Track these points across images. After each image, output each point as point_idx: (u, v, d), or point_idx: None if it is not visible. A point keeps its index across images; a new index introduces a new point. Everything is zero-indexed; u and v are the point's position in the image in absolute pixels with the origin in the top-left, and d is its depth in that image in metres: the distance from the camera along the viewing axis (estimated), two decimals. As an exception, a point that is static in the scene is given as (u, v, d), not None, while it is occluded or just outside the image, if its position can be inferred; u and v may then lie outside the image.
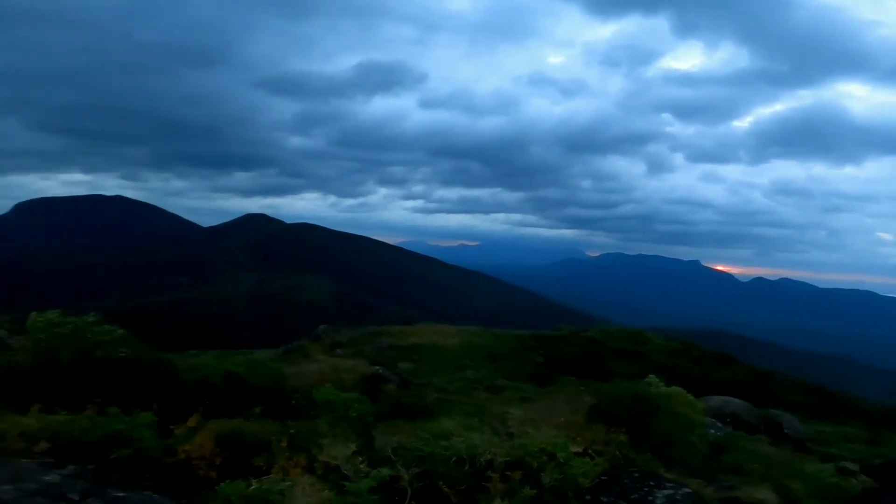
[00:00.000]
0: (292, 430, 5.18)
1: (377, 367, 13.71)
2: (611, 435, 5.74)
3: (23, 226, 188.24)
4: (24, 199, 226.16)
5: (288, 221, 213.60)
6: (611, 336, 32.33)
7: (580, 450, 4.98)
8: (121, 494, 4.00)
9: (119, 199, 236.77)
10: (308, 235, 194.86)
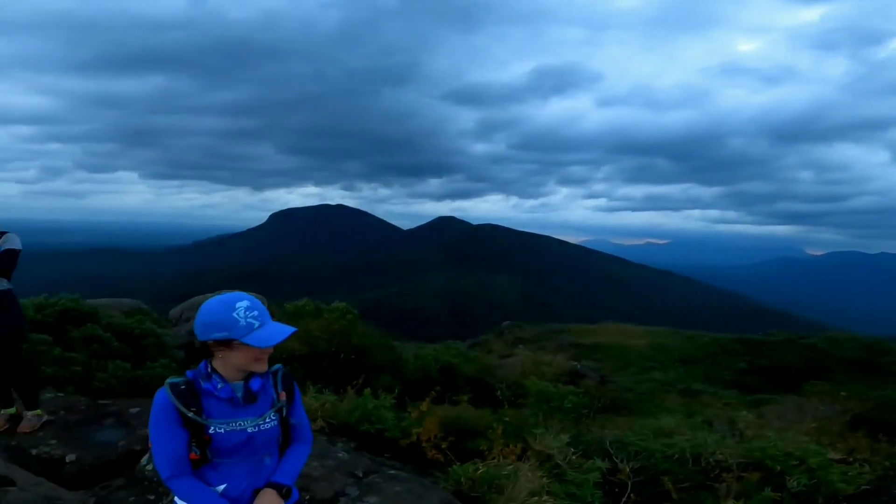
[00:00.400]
0: (507, 419, 5.34)
1: (575, 363, 13.69)
2: (880, 444, 4.97)
3: (275, 232, 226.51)
4: (275, 210, 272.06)
5: (474, 223, 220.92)
6: (838, 344, 27.21)
7: (839, 457, 4.47)
8: (392, 472, 4.06)
9: (341, 208, 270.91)
10: (493, 236, 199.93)
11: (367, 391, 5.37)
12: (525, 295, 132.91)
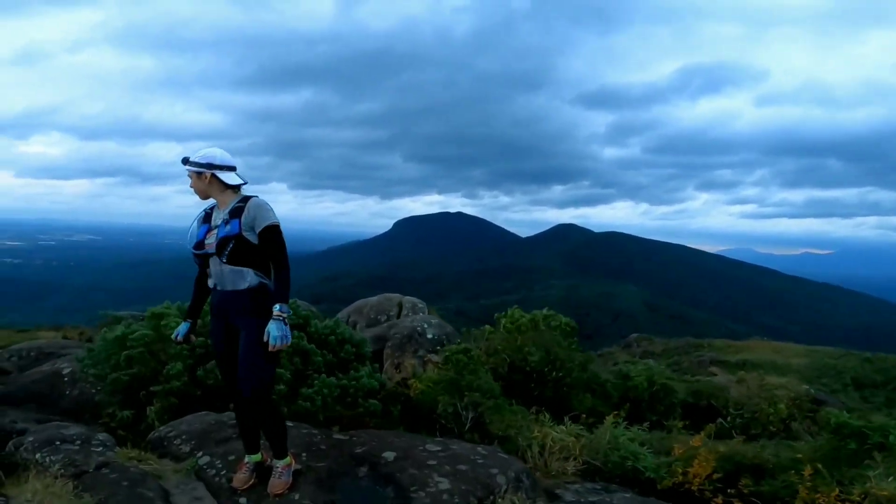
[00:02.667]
0: (799, 455, 4.45)
1: (807, 387, 11.30)
2: None
3: (399, 239, 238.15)
4: (400, 218, 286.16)
5: (596, 231, 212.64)
6: None
7: None
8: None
9: (460, 216, 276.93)
10: (617, 243, 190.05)
11: (610, 420, 4.84)
12: (652, 306, 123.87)
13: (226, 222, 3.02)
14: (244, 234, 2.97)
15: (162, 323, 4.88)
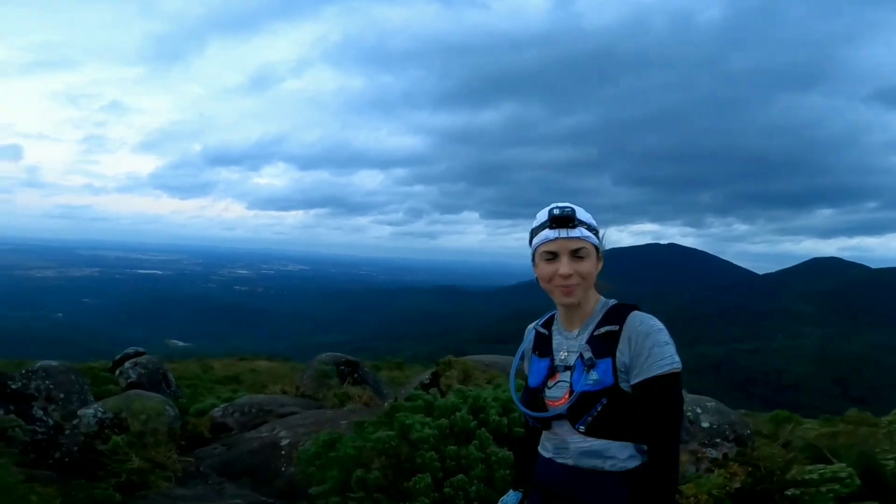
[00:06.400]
0: None
1: None
2: None
3: (598, 275, 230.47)
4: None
5: (873, 266, 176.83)
6: None
7: None
8: None
9: (672, 248, 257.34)
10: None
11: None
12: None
13: (588, 362, 1.79)
14: (621, 384, 1.75)
15: (406, 423, 4.12)
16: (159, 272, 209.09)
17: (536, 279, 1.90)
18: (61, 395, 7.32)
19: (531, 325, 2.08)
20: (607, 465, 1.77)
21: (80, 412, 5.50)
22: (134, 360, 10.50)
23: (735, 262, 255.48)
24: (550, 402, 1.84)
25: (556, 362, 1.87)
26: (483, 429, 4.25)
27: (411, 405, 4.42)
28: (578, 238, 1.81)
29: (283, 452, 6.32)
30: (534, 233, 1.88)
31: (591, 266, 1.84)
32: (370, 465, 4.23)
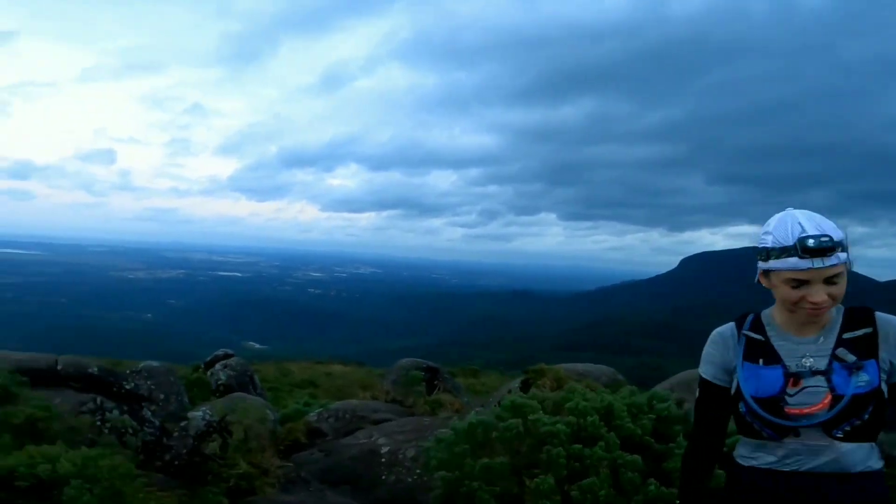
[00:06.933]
0: None
1: None
2: None
3: (687, 281, 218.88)
4: (688, 254, 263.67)
5: None
6: None
7: None
8: None
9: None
10: None
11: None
12: None
13: (855, 365, 1.76)
14: (882, 385, 1.78)
15: (531, 417, 3.96)
16: (239, 274, 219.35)
17: (757, 280, 1.87)
18: (161, 396, 7.55)
19: (725, 331, 1.97)
20: (859, 468, 1.78)
21: (189, 414, 5.62)
22: (223, 361, 10.79)
23: (852, 268, 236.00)
24: (797, 410, 1.78)
25: (796, 368, 1.80)
26: (613, 433, 4.06)
27: (534, 403, 4.22)
28: (834, 265, 1.70)
29: (383, 460, 6.25)
30: (771, 253, 1.75)
31: (843, 287, 1.76)
32: (493, 453, 4.13)
